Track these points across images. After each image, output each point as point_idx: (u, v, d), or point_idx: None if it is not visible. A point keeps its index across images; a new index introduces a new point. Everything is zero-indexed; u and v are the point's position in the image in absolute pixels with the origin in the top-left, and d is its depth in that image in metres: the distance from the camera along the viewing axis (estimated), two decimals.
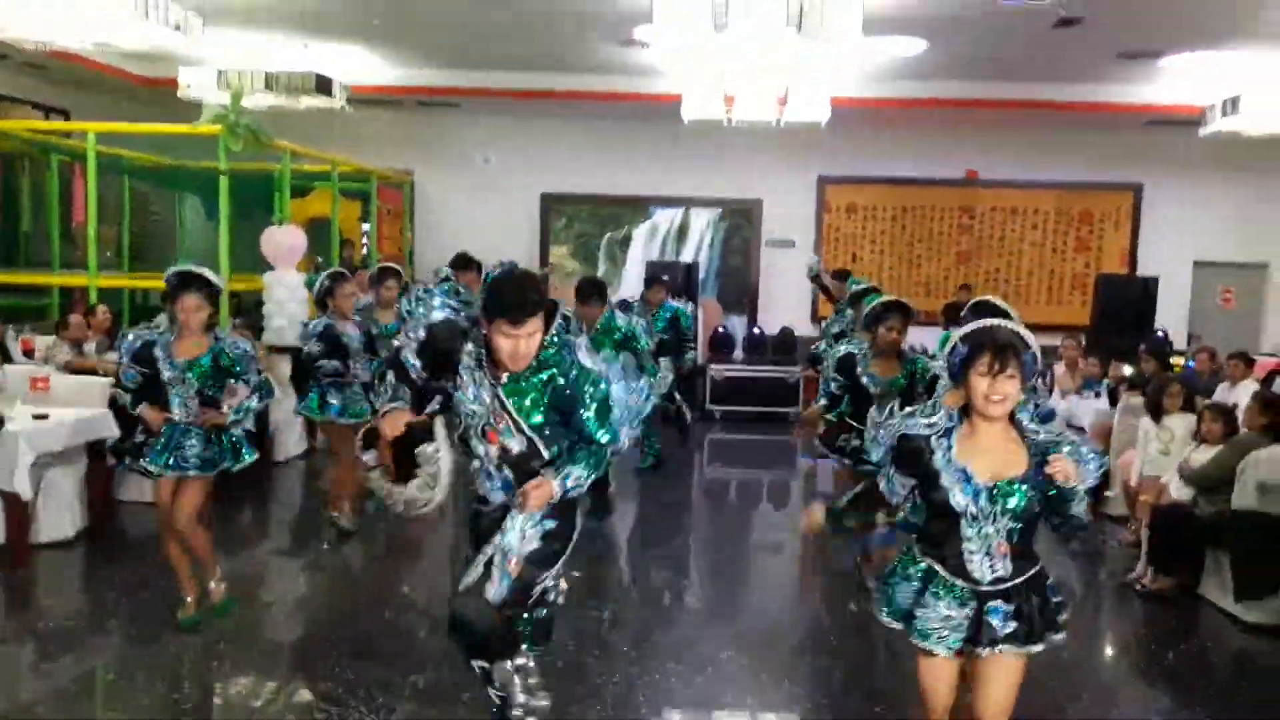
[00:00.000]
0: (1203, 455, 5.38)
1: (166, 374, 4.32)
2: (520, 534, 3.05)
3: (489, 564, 3.06)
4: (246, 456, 4.52)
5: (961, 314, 4.34)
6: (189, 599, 4.55)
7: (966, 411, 2.73)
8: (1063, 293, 12.21)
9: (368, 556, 6.00)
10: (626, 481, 7.43)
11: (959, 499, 2.68)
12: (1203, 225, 11.90)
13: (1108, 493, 6.70)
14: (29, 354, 7.24)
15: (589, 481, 3.07)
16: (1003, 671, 2.76)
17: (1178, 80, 9.82)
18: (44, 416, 5.24)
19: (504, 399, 3.01)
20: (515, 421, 3.01)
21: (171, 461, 4.31)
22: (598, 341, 5.98)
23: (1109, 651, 5.06)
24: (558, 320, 3.03)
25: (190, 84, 9.31)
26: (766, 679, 4.32)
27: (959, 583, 2.72)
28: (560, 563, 3.17)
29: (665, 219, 12.31)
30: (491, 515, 3.17)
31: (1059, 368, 8.66)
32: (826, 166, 12.02)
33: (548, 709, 3.44)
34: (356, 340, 5.78)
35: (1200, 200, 11.84)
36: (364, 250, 11.77)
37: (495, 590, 3.03)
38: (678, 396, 7.82)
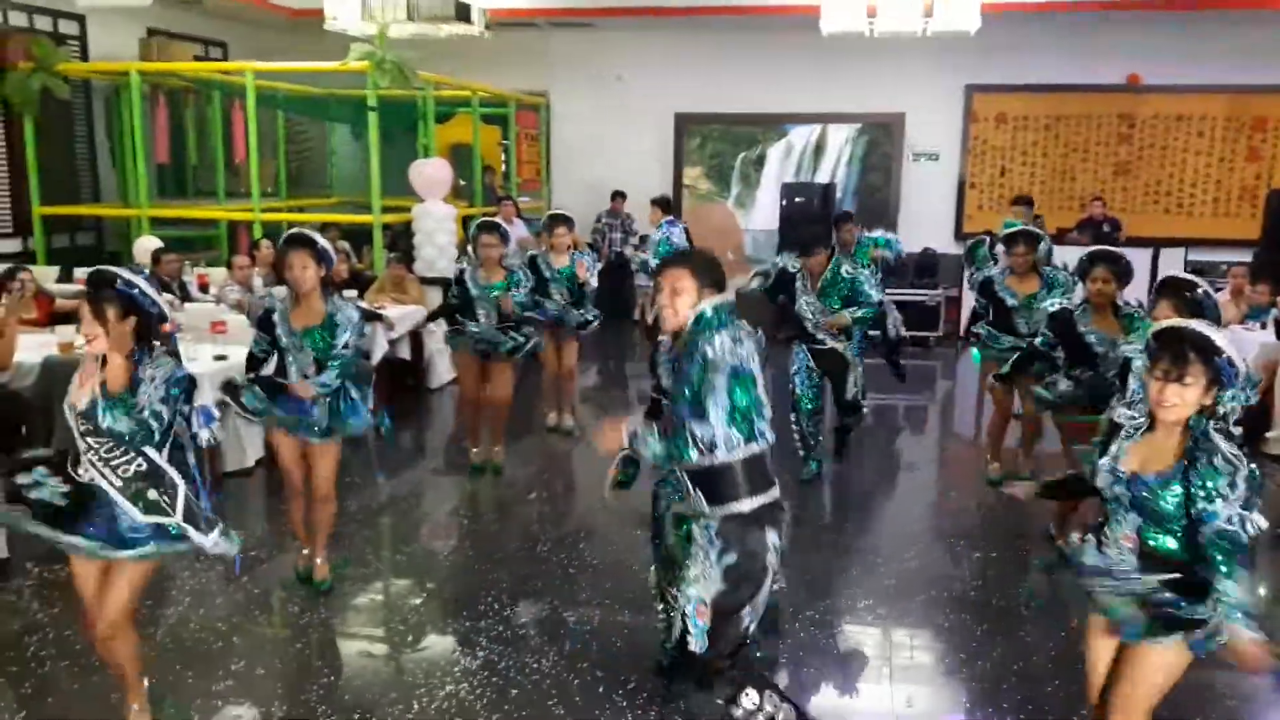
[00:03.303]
0: None
1: (283, 341, 4.27)
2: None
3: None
4: (350, 424, 4.36)
5: (1151, 293, 4.09)
6: (318, 560, 4.64)
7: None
8: (1230, 205, 11.46)
9: (522, 488, 6.33)
10: None
11: (1101, 478, 2.74)
12: None
13: (1269, 433, 6.42)
14: (204, 289, 7.76)
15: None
16: (1135, 661, 2.72)
17: None
18: (224, 358, 5.67)
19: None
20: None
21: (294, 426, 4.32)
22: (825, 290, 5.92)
23: (1264, 607, 4.94)
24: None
25: (336, 16, 9.56)
26: (904, 634, 4.42)
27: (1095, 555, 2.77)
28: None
29: (800, 137, 12.04)
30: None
31: (1223, 295, 8.21)
32: (975, 75, 11.49)
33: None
34: (478, 289, 5.92)
35: None
36: (504, 175, 11.99)
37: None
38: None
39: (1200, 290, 3.79)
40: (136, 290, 3.13)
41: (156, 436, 3.10)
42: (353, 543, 5.24)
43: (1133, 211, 11.40)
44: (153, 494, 3.14)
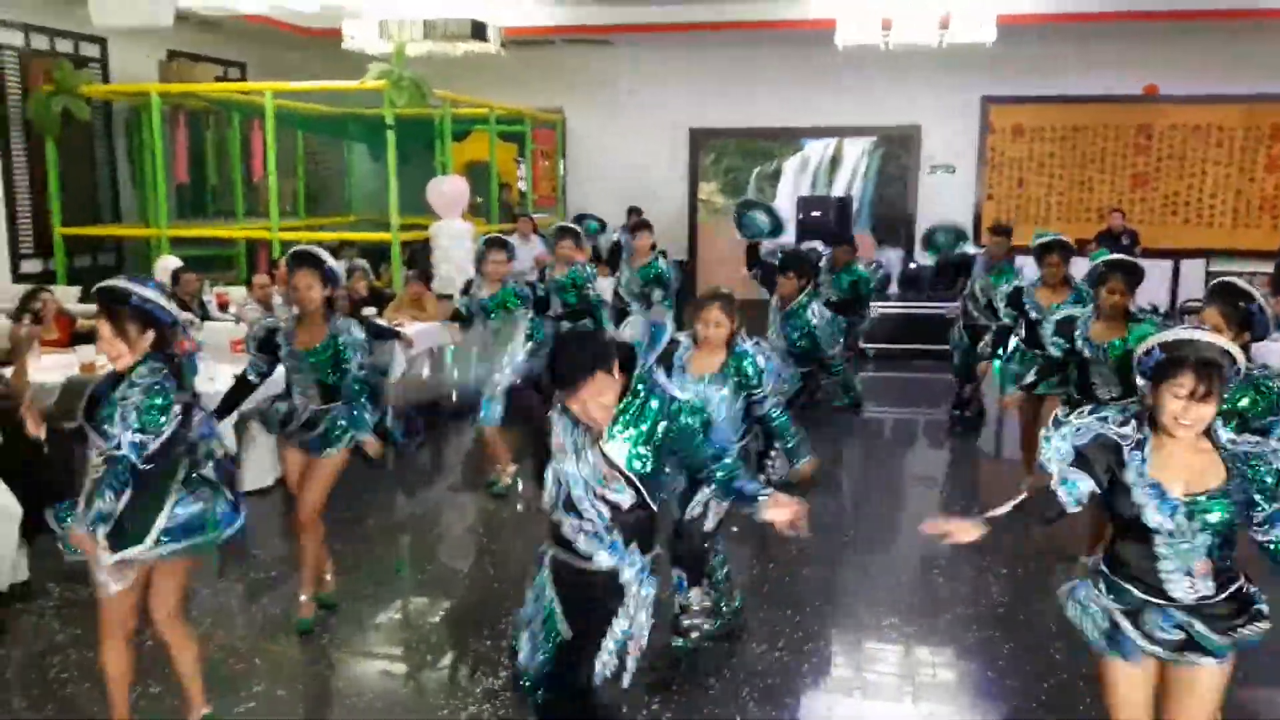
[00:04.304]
0: None
1: (286, 362, 4.24)
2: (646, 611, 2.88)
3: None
4: (350, 435, 4.21)
5: (1202, 299, 3.91)
6: (304, 597, 4.46)
7: (1154, 422, 2.57)
8: (1250, 215, 11.37)
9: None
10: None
11: (1154, 517, 2.52)
12: None
13: None
14: (223, 308, 7.79)
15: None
16: (1201, 681, 2.62)
17: None
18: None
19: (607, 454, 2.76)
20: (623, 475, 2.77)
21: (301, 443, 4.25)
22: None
23: None
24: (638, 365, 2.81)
25: (354, 35, 9.66)
26: (928, 652, 4.37)
27: (1158, 601, 2.58)
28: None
29: (816, 151, 12.04)
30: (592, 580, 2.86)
31: None
32: (991, 86, 11.46)
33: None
34: (474, 305, 6.01)
35: None
36: (520, 191, 12.03)
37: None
38: None
39: (1256, 303, 3.62)
40: (152, 304, 3.11)
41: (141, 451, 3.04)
42: (372, 561, 5.24)
43: (1151, 223, 11.33)
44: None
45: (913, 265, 11.47)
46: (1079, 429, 2.63)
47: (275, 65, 11.22)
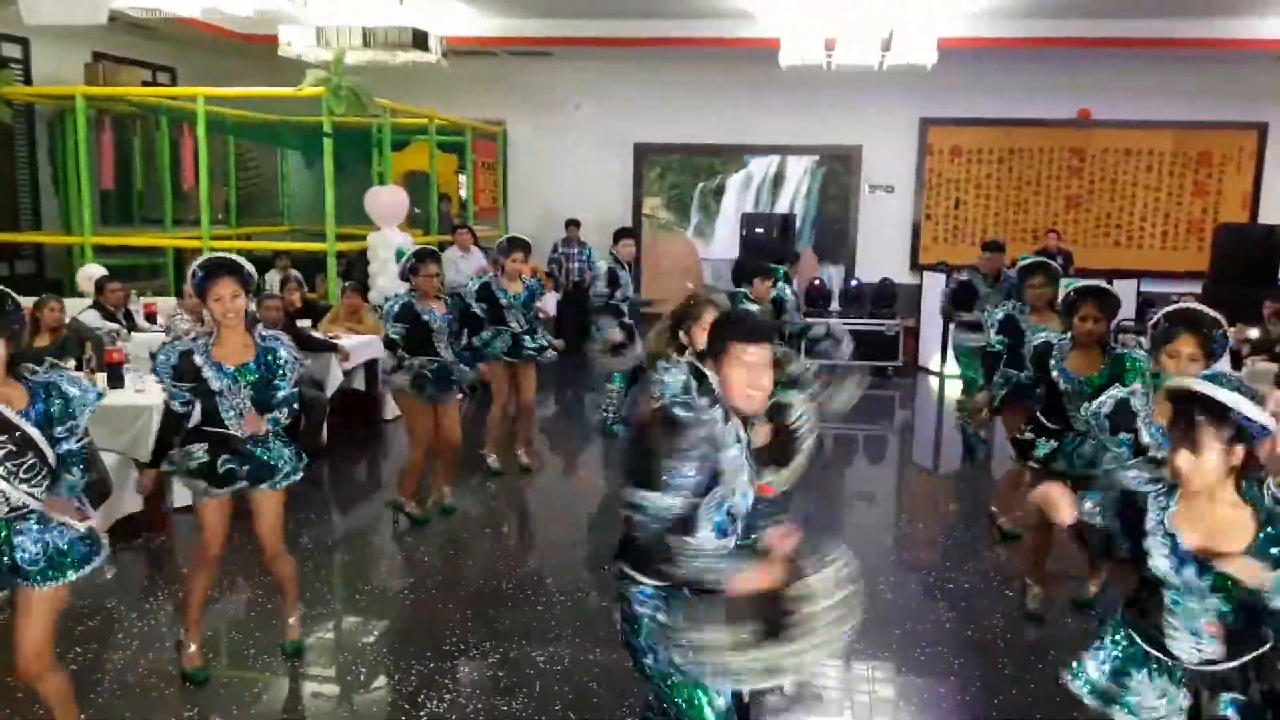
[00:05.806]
0: None
1: (217, 384, 3.64)
2: None
3: None
4: (286, 472, 3.88)
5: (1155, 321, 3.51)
6: (193, 647, 3.99)
7: None
8: (1178, 239, 11.69)
9: (477, 524, 6.15)
10: None
11: (1159, 562, 2.41)
12: None
13: None
14: (151, 318, 7.51)
15: None
16: None
17: None
18: None
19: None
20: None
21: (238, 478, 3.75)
22: None
23: None
24: None
25: (290, 41, 9.41)
26: (875, 668, 4.33)
27: (1161, 658, 2.48)
28: None
29: (760, 168, 12.10)
30: None
31: None
32: (930, 108, 11.63)
33: None
34: (439, 320, 5.61)
35: None
36: (460, 203, 11.87)
37: None
38: None
39: (1220, 330, 3.40)
40: (16, 308, 2.97)
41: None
42: (305, 580, 5.02)
43: (1084, 244, 11.58)
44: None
45: (853, 283, 11.56)
46: (1113, 490, 2.54)
47: (207, 71, 10.92)
